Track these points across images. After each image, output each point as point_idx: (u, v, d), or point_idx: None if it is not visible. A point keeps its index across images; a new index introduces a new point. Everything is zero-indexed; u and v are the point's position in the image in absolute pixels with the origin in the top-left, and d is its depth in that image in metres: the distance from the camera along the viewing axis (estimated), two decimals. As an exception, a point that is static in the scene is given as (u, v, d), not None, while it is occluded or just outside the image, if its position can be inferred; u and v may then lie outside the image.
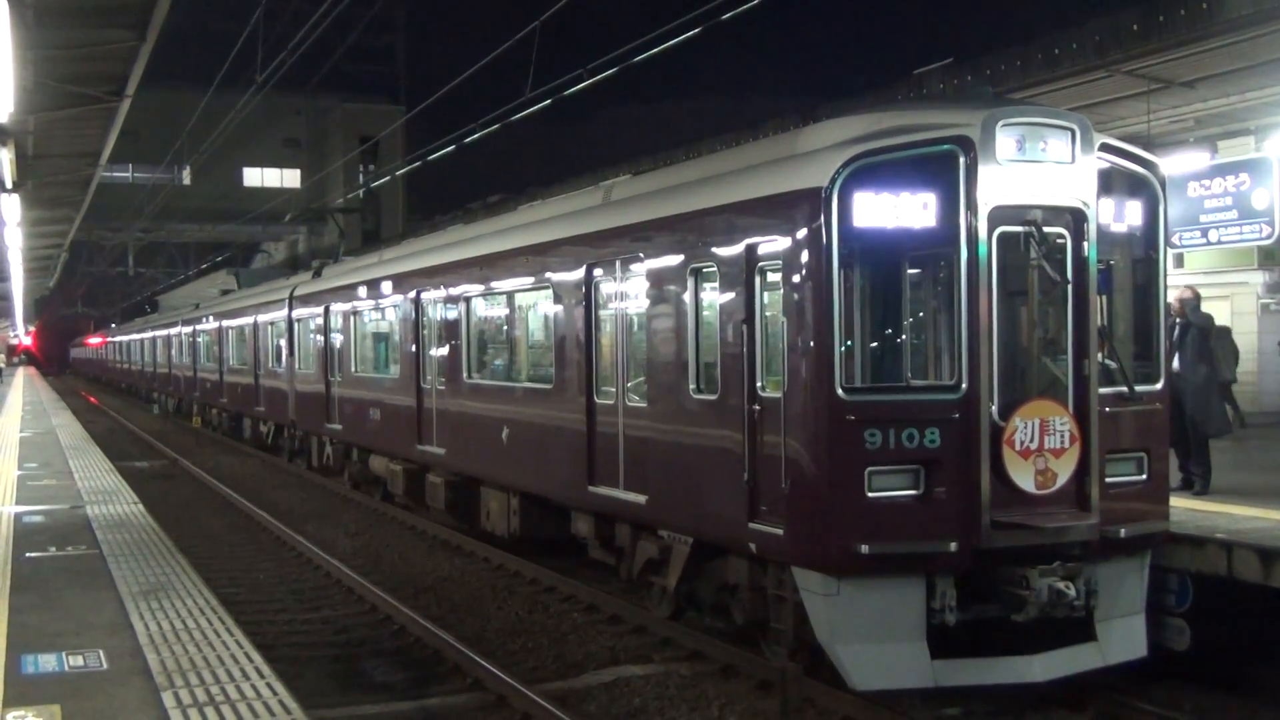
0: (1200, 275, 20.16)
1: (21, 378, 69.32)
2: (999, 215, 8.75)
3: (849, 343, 8.73)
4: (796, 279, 8.81)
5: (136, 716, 6.23)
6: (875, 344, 9.35)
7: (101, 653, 7.40)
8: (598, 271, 11.90)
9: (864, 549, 8.41)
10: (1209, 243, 19.43)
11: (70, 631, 7.95)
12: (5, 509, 13.74)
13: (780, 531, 8.98)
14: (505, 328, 15.27)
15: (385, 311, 19.37)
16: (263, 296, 29.22)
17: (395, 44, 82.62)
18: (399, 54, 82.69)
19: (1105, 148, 9.33)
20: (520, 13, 17.49)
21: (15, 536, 11.81)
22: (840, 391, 8.54)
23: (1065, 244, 9.06)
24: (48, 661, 7.23)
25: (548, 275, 13.01)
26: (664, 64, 16.79)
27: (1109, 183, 9.30)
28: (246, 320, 30.26)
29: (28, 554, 10.85)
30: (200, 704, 6.37)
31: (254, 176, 76.19)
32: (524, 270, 13.77)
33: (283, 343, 26.19)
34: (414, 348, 17.26)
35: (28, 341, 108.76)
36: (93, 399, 61.67)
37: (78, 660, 7.26)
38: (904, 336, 9.43)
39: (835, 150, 8.83)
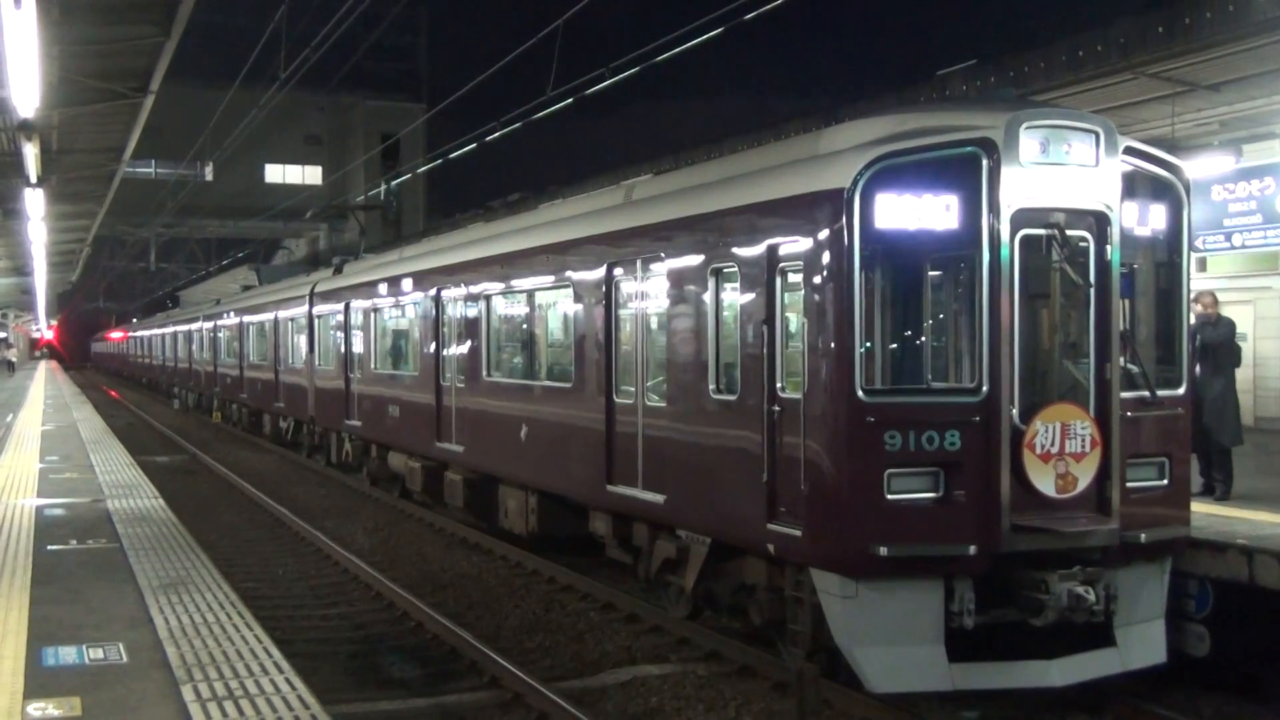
0: (1223, 280, 20.05)
1: (43, 371, 69.74)
2: (1022, 218, 8.70)
3: (869, 344, 8.71)
4: (818, 280, 8.78)
5: (156, 709, 6.25)
6: (896, 346, 9.33)
7: (121, 646, 7.44)
8: (618, 271, 11.90)
9: (883, 551, 8.39)
10: (1232, 247, 19.34)
11: (91, 624, 7.99)
12: (27, 502, 13.83)
13: (799, 533, 8.96)
14: (525, 326, 15.28)
15: (405, 309, 19.41)
16: (283, 293, 29.31)
17: (417, 42, 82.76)
18: (421, 52, 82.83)
19: (1129, 151, 9.27)
20: (542, 11, 17.53)
21: (37, 529, 11.88)
22: (860, 393, 8.51)
23: (1088, 247, 9.00)
24: (68, 654, 7.26)
25: (568, 274, 13.01)
26: (686, 63, 16.83)
27: (1133, 186, 9.25)
28: (267, 316, 30.35)
29: (49, 547, 10.91)
30: (219, 698, 6.40)
31: (275, 173, 76.41)
32: (544, 269, 13.77)
33: (303, 339, 26.28)
34: (434, 345, 17.28)
35: (50, 335, 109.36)
36: (114, 393, 61.98)
37: (98, 653, 7.29)
38: (925, 338, 9.40)
39: (858, 151, 8.80)
